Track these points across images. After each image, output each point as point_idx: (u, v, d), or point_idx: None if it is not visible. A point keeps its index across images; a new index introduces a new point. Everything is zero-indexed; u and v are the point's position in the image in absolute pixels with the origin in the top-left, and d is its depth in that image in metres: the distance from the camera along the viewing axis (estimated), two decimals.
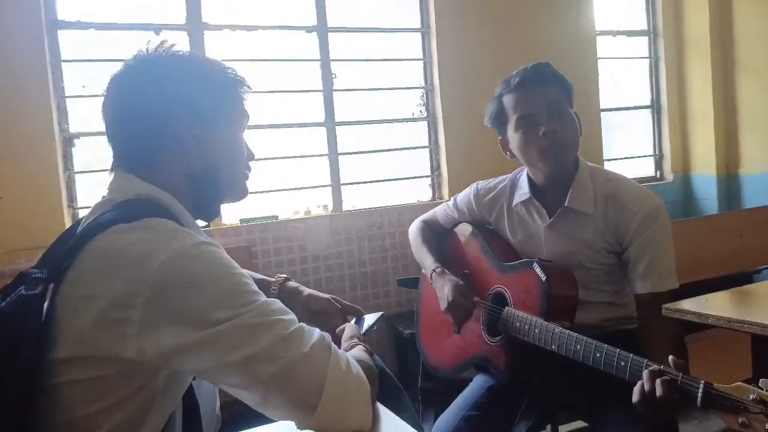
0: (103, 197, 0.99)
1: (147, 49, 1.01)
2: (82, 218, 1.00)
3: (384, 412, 0.99)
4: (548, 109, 1.52)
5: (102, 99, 1.02)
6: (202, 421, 1.00)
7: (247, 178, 1.12)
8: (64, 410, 0.85)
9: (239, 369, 0.85)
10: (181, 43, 2.95)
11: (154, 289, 0.83)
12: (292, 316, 0.92)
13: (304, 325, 0.92)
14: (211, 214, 1.10)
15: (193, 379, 1.00)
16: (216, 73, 1.05)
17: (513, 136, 1.58)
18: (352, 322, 1.33)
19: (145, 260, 0.84)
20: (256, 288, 0.91)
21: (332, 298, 1.37)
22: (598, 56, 3.94)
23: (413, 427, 0.96)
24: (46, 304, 0.87)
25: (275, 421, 0.93)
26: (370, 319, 1.37)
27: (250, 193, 1.14)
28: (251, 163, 1.14)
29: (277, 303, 0.92)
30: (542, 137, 1.51)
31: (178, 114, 0.99)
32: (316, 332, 0.92)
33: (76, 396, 0.85)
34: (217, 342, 0.84)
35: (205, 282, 0.85)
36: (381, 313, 1.41)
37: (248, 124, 1.11)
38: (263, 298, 0.90)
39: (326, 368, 0.88)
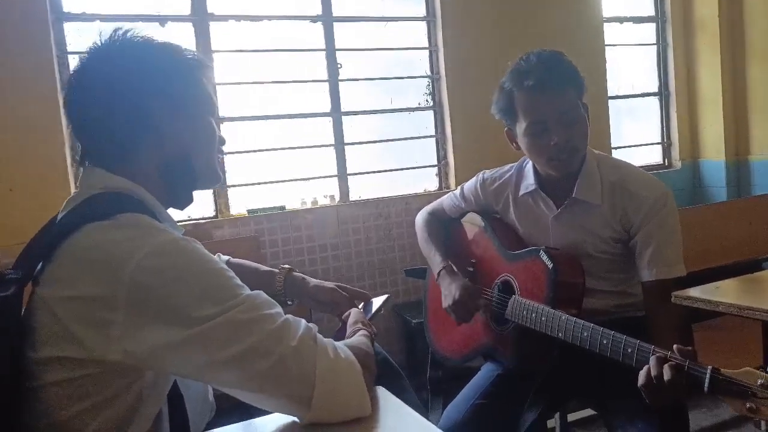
0: (74, 193, 0.97)
1: (102, 40, 0.97)
2: (57, 215, 0.97)
3: (385, 395, 0.99)
4: (561, 116, 1.48)
5: (65, 95, 0.98)
6: (187, 411, 0.98)
7: (220, 163, 1.08)
8: (50, 410, 0.84)
9: (230, 367, 0.84)
10: (186, 33, 2.98)
11: (133, 288, 0.81)
12: (278, 308, 0.91)
13: (289, 316, 0.91)
14: (184, 202, 1.06)
15: None
16: (177, 56, 1.01)
17: (522, 137, 1.54)
18: (360, 306, 1.32)
19: (122, 260, 0.82)
20: (238, 281, 0.89)
21: (338, 286, 1.36)
22: (606, 43, 3.91)
23: (414, 409, 0.96)
24: (24, 306, 0.86)
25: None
26: (377, 302, 1.36)
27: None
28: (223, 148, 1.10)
29: (262, 296, 0.90)
30: (553, 147, 1.48)
31: (151, 102, 0.95)
32: (302, 323, 0.91)
33: (62, 396, 0.84)
34: (206, 340, 0.82)
35: (185, 278, 0.84)
36: (387, 295, 1.40)
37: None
38: (247, 291, 0.88)
39: (314, 358, 0.88)
